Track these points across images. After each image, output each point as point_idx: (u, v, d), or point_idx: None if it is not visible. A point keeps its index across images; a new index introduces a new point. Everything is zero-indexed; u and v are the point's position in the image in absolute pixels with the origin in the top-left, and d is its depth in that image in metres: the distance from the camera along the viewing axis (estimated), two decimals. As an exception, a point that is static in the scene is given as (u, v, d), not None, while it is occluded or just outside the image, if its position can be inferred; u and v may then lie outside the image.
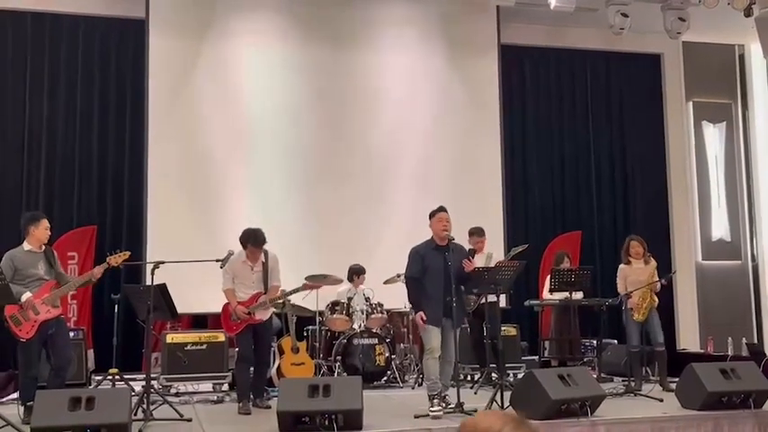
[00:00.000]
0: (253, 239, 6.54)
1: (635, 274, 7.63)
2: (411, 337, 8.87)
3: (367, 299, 8.39)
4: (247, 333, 6.56)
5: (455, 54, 10.47)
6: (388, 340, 8.21)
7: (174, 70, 9.60)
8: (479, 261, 7.50)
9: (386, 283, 8.52)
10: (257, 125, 9.75)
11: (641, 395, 6.98)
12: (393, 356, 8.22)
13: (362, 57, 10.17)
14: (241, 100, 9.76)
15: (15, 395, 6.69)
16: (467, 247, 6.77)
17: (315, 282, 7.34)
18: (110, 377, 7.71)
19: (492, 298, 7.05)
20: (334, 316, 8.23)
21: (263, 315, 6.61)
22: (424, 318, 6.13)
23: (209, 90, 9.67)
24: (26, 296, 5.86)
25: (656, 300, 7.61)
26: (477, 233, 8.02)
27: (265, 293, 6.61)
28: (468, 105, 10.46)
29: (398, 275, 7.89)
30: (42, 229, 6.12)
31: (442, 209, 6.32)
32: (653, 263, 7.73)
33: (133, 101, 9.82)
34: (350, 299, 8.35)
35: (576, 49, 11.55)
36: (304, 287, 6.92)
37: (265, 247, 6.68)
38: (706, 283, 11.63)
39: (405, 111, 10.19)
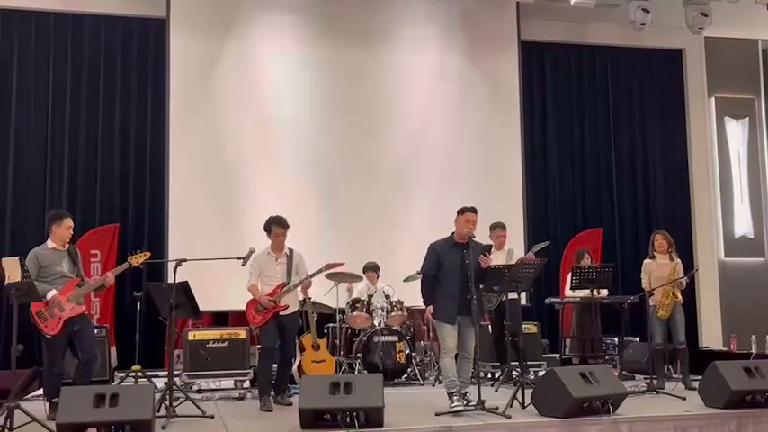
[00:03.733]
0: (276, 221, 6.70)
1: (659, 270, 7.58)
2: (431, 334, 8.86)
3: (387, 296, 8.40)
4: (272, 326, 6.59)
5: (475, 51, 10.46)
6: (408, 337, 8.21)
7: (194, 69, 9.67)
8: (500, 258, 7.48)
9: (406, 280, 8.52)
10: (278, 123, 9.78)
11: (664, 393, 6.94)
12: (413, 354, 8.23)
13: (383, 55, 10.18)
14: (262, 98, 9.80)
15: (40, 391, 6.77)
16: (486, 243, 6.75)
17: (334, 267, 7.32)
18: (133, 374, 7.78)
19: (513, 295, 7.03)
20: (355, 313, 8.25)
21: (287, 301, 6.64)
22: (432, 312, 6.22)
23: (230, 88, 9.72)
24: (52, 294, 5.92)
25: (680, 297, 7.55)
26: (498, 226, 8.00)
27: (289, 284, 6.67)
28: (489, 102, 10.44)
29: (418, 273, 7.87)
30: (64, 229, 6.17)
31: (472, 210, 6.27)
32: (678, 260, 7.67)
33: (155, 100, 9.90)
34: (370, 296, 8.37)
35: (597, 45, 11.50)
36: (326, 267, 6.94)
37: (289, 245, 6.75)
38: (729, 281, 11.53)
39: (425, 108, 10.19)
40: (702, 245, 11.45)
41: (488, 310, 7.87)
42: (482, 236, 6.47)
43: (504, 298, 7.29)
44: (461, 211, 6.30)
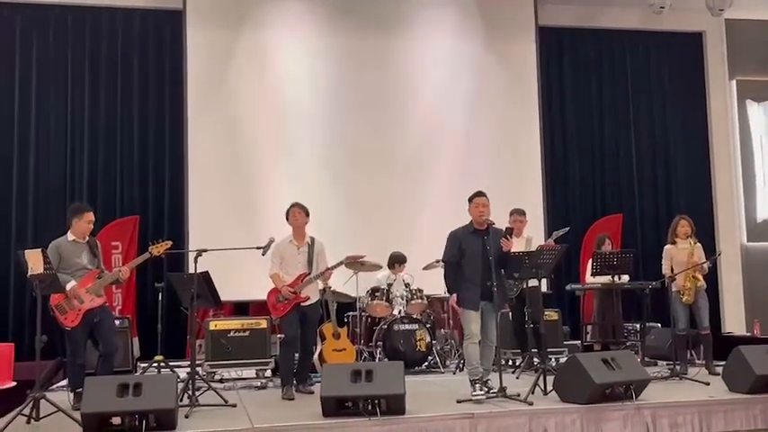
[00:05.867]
0: (294, 204, 6.76)
1: (680, 255, 7.50)
2: (451, 322, 8.87)
3: (407, 285, 8.39)
4: (293, 316, 6.61)
5: (493, 37, 10.40)
6: (428, 326, 8.20)
7: (211, 60, 9.69)
8: (519, 245, 7.42)
9: (425, 268, 8.52)
10: (295, 113, 9.79)
11: (687, 379, 6.88)
12: (434, 342, 8.22)
13: (400, 42, 10.15)
14: (279, 88, 9.81)
15: (65, 382, 6.84)
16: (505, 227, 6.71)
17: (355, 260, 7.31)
18: (155, 364, 7.83)
19: (533, 282, 6.99)
20: (375, 302, 8.25)
21: (308, 292, 6.66)
22: (456, 300, 6.22)
23: (247, 79, 9.74)
24: (71, 285, 5.95)
25: (703, 281, 7.46)
26: (516, 212, 7.96)
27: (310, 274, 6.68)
28: (507, 88, 10.39)
29: (438, 261, 7.85)
30: (85, 222, 6.19)
31: (479, 194, 6.29)
32: (698, 243, 7.59)
33: (172, 92, 9.93)
34: (390, 285, 8.37)
35: (615, 30, 11.40)
36: (347, 260, 6.94)
37: (310, 233, 6.77)
38: (751, 265, 11.42)
39: (443, 95, 10.16)
40: (724, 230, 11.34)
41: (509, 298, 7.83)
42: (500, 218, 6.42)
43: (525, 285, 7.26)
44: (470, 199, 6.30)
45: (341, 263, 6.89)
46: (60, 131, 9.74)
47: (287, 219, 6.80)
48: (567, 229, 8.13)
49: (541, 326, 6.83)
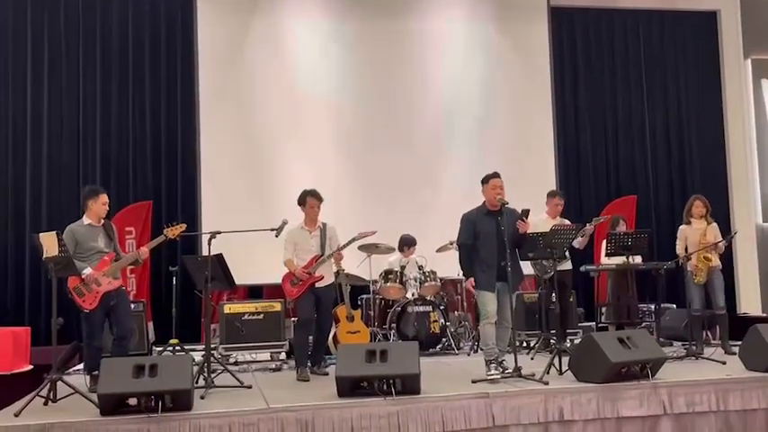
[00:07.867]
0: (311, 193, 6.74)
1: (695, 235, 7.47)
2: (465, 304, 8.86)
3: (420, 267, 8.38)
4: (308, 298, 6.61)
5: (505, 19, 10.34)
6: (442, 308, 8.20)
7: (223, 44, 9.68)
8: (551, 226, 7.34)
9: (439, 251, 8.52)
10: (308, 96, 9.76)
11: (703, 358, 6.85)
12: (447, 324, 8.22)
13: (412, 25, 10.09)
14: (292, 72, 9.79)
15: (81, 366, 6.87)
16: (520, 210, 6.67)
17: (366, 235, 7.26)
18: (170, 348, 7.87)
19: (567, 265, 6.95)
20: (388, 284, 8.25)
21: (322, 272, 6.66)
22: (473, 284, 6.15)
23: (259, 63, 9.72)
24: (87, 271, 5.96)
25: (718, 261, 7.41)
26: (557, 195, 7.98)
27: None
28: (520, 70, 10.32)
29: (451, 243, 7.87)
30: (100, 204, 6.20)
31: (495, 175, 6.25)
32: (714, 224, 7.54)
33: (184, 76, 9.92)
34: (403, 267, 8.36)
35: (629, 9, 11.29)
36: (359, 236, 6.91)
37: (320, 218, 6.76)
38: (767, 246, 11.33)
39: (455, 77, 10.12)
40: (740, 210, 11.26)
41: (542, 279, 7.81)
42: (515, 202, 6.38)
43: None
44: (486, 180, 6.26)
45: (353, 239, 6.86)
46: (73, 117, 9.74)
47: (299, 204, 6.79)
48: (608, 217, 8.08)
49: (556, 306, 6.81)
